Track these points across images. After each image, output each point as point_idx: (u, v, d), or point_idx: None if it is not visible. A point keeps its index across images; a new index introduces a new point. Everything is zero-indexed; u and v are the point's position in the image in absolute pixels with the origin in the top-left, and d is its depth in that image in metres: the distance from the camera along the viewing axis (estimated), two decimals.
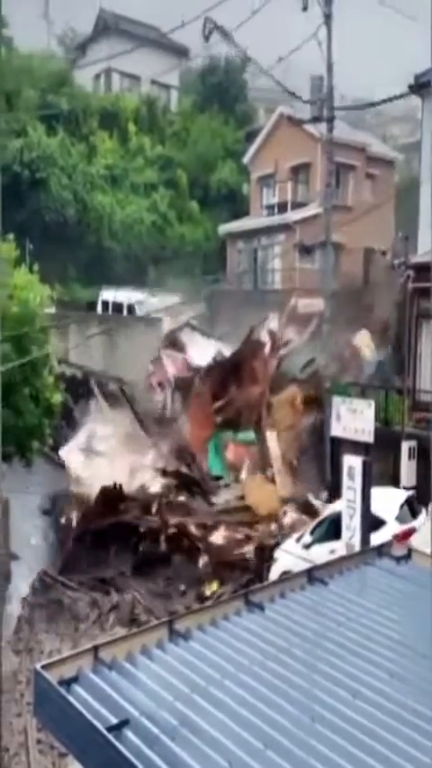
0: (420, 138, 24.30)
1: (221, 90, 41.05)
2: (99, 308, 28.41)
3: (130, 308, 26.54)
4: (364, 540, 9.44)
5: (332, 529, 12.16)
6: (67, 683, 4.59)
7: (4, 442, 10.47)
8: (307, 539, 13.04)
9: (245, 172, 36.94)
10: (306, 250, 25.58)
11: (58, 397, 14.11)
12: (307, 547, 12.73)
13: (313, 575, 5.61)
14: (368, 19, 34.45)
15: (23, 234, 24.67)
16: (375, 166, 33.33)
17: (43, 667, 4.73)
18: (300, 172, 33.02)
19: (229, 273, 34.07)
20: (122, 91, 40.08)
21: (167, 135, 39.56)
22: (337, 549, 10.78)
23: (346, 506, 10.14)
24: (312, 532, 13.16)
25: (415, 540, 10.30)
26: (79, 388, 19.80)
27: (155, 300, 25.08)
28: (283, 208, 32.61)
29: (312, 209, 29.38)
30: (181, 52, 41.96)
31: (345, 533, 10.20)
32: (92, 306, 28.76)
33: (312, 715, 4.24)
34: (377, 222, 30.68)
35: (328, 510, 13.75)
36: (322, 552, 11.49)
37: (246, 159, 36.30)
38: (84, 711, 4.30)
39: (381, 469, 14.16)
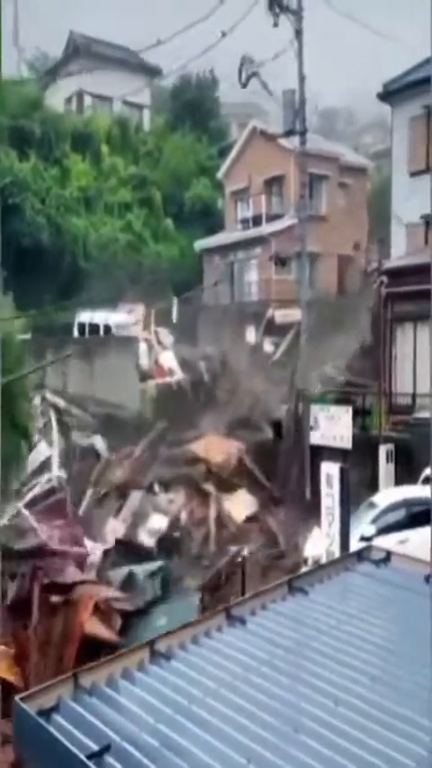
0: (390, 144, 24.70)
1: (193, 107, 41.43)
2: (75, 331, 28.32)
3: (107, 329, 26.49)
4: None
5: (404, 517, 11.69)
6: (47, 712, 4.50)
7: None
8: (368, 530, 12.00)
9: (219, 187, 37.22)
10: (281, 261, 25.75)
11: (33, 425, 14.04)
12: (367, 539, 11.23)
13: (293, 584, 5.56)
14: (338, 32, 34.93)
15: None
16: (348, 175, 33.69)
17: (22, 699, 4.64)
18: (273, 184, 33.30)
19: (206, 288, 34.18)
20: (94, 112, 40.28)
21: (141, 154, 39.80)
22: (410, 538, 10.37)
23: (325, 514, 10.10)
24: (374, 521, 12.36)
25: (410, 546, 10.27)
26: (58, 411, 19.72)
27: (130, 319, 25.05)
28: (257, 221, 32.84)
29: (287, 221, 29.61)
30: (152, 71, 42.31)
31: (324, 540, 10.15)
32: (67, 329, 28.69)
33: (295, 726, 4.18)
34: (351, 229, 31.00)
35: (388, 499, 13.19)
36: (389, 543, 10.16)
37: (219, 174, 36.58)
38: (64, 740, 4.22)
39: (360, 475, 14.18)
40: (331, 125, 55.66)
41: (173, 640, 5.18)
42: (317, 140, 28.54)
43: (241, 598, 5.94)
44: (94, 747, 4.13)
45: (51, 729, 4.34)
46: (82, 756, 4.03)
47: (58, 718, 4.46)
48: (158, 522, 15.71)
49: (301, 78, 18.70)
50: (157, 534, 15.44)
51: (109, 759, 4.07)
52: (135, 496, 16.42)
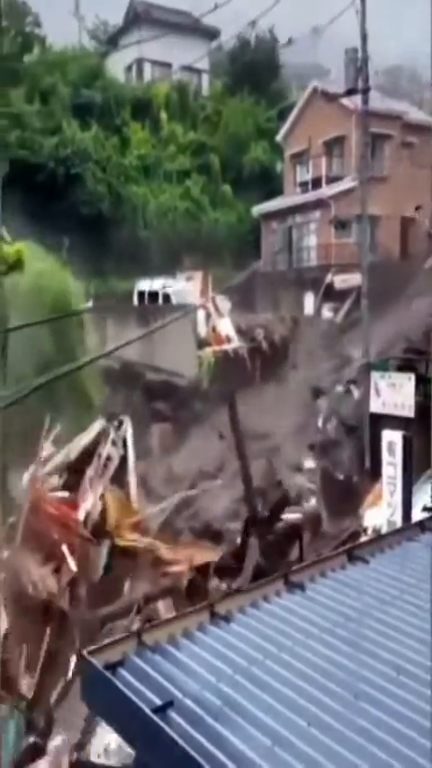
0: None
1: (252, 70, 40.72)
2: (135, 299, 28.56)
3: (166, 297, 26.58)
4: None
5: None
6: (112, 667, 4.67)
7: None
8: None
9: (278, 150, 36.59)
10: (341, 225, 25.21)
11: (96, 390, 14.26)
12: (429, 509, 10.32)
13: (354, 553, 5.56)
14: None
15: (60, 230, 25.01)
16: (412, 134, 32.60)
17: (89, 652, 4.82)
18: (334, 146, 32.54)
19: (264, 254, 33.86)
20: (153, 78, 40.09)
21: (199, 120, 39.45)
22: None
23: (387, 483, 10.00)
24: None
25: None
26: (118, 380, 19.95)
27: (189, 287, 25.04)
28: (317, 184, 32.20)
29: (347, 183, 28.94)
30: (211, 35, 41.64)
31: (385, 511, 10.07)
32: (127, 297, 28.97)
33: (356, 692, 4.22)
34: (415, 190, 30.07)
35: None
36: None
37: (279, 137, 35.94)
38: (129, 694, 4.38)
39: (421, 444, 13.88)
40: (394, 83, 53.77)
41: (232, 604, 5.28)
42: (379, 99, 27.61)
43: (300, 565, 5.97)
44: (158, 702, 4.28)
45: (117, 683, 4.51)
46: (147, 710, 4.18)
47: (123, 672, 4.62)
48: None
49: (364, 36, 18.09)
50: None
51: (172, 714, 4.20)
52: None
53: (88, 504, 11.70)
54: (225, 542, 13.31)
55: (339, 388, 18.79)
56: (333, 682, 4.33)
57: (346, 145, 31.36)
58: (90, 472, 12.32)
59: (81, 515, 11.57)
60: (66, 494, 12.14)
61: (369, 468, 15.60)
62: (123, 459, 12.85)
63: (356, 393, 17.91)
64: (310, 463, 17.38)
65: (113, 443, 12.85)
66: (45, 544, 11.17)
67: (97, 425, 13.24)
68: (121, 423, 13.44)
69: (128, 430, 13.09)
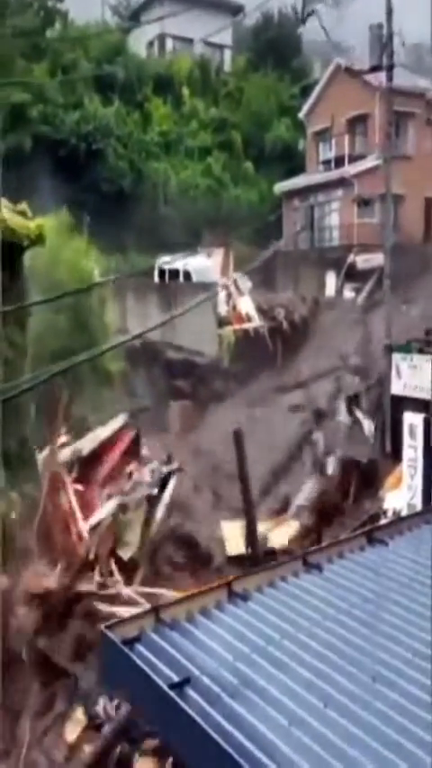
0: None
1: (275, 46, 40.05)
2: (156, 276, 28.48)
3: (187, 274, 26.45)
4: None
5: None
6: (130, 642, 4.70)
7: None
8: None
9: (300, 128, 36.08)
10: (365, 203, 24.83)
11: (116, 366, 14.24)
12: None
13: (373, 535, 5.53)
14: None
15: (81, 205, 24.92)
16: None
17: (107, 627, 4.85)
18: (357, 124, 31.97)
19: (285, 233, 33.54)
20: (175, 54, 39.59)
21: (221, 96, 38.94)
22: None
23: (407, 465, 9.92)
24: None
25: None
26: (138, 358, 19.93)
27: (210, 264, 24.87)
28: (340, 162, 31.71)
29: (371, 161, 28.47)
30: (234, 10, 40.95)
31: (405, 494, 10.00)
32: (148, 274, 28.89)
33: (373, 675, 4.22)
34: None
35: None
36: None
37: (301, 114, 35.41)
38: (147, 669, 4.41)
39: None
40: (419, 61, 52.60)
41: (249, 583, 5.28)
42: (404, 76, 27.04)
43: (318, 546, 5.96)
44: (175, 678, 4.30)
45: (135, 658, 4.54)
46: (164, 686, 4.21)
47: (140, 648, 4.65)
48: None
49: (389, 11, 17.65)
50: None
51: (189, 691, 4.23)
52: None
53: (95, 519, 11.02)
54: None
55: (342, 416, 16.56)
56: (351, 664, 4.32)
57: (369, 123, 30.79)
58: (111, 487, 11.60)
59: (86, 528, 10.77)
60: (79, 487, 11.50)
61: (390, 451, 15.50)
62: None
63: (366, 423, 16.37)
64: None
65: (151, 473, 11.96)
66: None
67: (120, 419, 12.83)
68: (170, 459, 12.59)
69: (172, 476, 12.10)
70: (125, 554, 11.20)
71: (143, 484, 11.82)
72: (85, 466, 11.73)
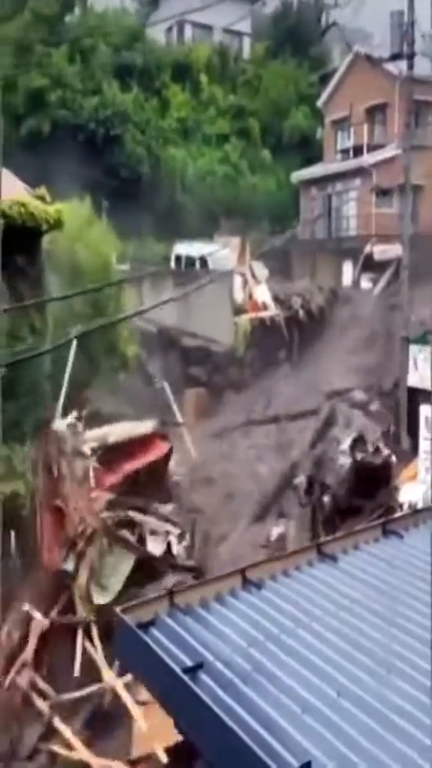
0: None
1: (294, 33, 39.70)
2: (172, 263, 28.43)
3: (203, 262, 26.40)
4: None
5: None
6: (144, 626, 4.72)
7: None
8: None
9: (319, 116, 35.79)
10: (383, 193, 24.61)
11: (132, 350, 14.28)
12: None
13: (388, 527, 5.52)
14: None
15: (99, 191, 24.91)
16: None
17: (123, 610, 4.87)
18: (376, 112, 31.66)
19: (302, 222, 33.35)
20: (194, 41, 39.36)
21: (239, 83, 38.71)
22: None
23: (422, 458, 9.88)
24: None
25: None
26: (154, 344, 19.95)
27: (226, 252, 24.80)
28: (358, 151, 31.46)
29: (390, 151, 28.21)
30: None
31: (420, 486, 9.96)
32: (165, 260, 28.86)
33: (388, 666, 4.21)
34: None
35: None
36: None
37: (320, 103, 35.11)
38: (160, 653, 4.43)
39: None
40: None
41: (263, 571, 5.29)
42: (424, 65, 26.69)
43: (333, 536, 5.96)
44: (188, 662, 4.32)
45: (149, 641, 4.57)
46: (177, 670, 4.23)
47: (154, 631, 4.67)
48: None
49: None
50: None
51: (202, 675, 4.25)
52: None
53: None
54: None
55: (344, 458, 12.94)
56: (365, 655, 4.32)
57: (388, 112, 30.49)
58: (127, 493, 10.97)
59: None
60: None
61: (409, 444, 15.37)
62: None
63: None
64: None
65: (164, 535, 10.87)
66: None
67: (149, 424, 12.49)
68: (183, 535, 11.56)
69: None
70: (99, 598, 10.18)
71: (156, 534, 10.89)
72: (110, 453, 11.37)
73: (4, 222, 10.36)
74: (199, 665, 4.30)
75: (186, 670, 4.24)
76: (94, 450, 11.07)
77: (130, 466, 11.63)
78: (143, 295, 23.09)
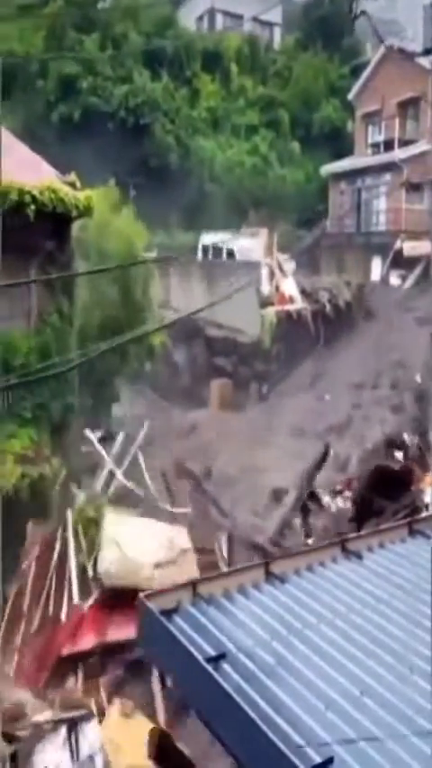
0: None
1: (326, 24, 39.16)
2: (199, 253, 28.36)
3: (230, 253, 26.30)
4: None
5: None
6: (168, 613, 4.73)
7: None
8: None
9: (349, 109, 35.40)
10: (414, 188, 24.30)
11: (159, 339, 14.28)
12: None
13: (414, 527, 5.47)
14: None
15: (127, 179, 24.92)
16: None
17: (146, 596, 4.89)
18: (408, 107, 31.23)
19: (331, 216, 33.08)
20: (225, 30, 39.08)
21: (270, 74, 38.36)
22: None
23: None
24: None
25: None
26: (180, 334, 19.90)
27: (254, 244, 24.67)
28: (389, 145, 31.07)
29: (421, 146, 27.87)
30: None
31: None
32: (192, 250, 28.77)
33: (411, 666, 4.19)
34: None
35: None
36: None
37: (351, 96, 34.71)
38: (183, 641, 4.44)
39: None
40: None
41: (287, 565, 5.27)
42: None
43: (358, 534, 5.92)
44: (211, 652, 4.32)
45: (172, 629, 4.58)
46: (200, 659, 4.23)
47: (178, 619, 4.68)
48: None
49: None
50: None
51: (225, 665, 4.25)
52: None
53: None
54: None
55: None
56: (389, 654, 4.30)
57: (421, 106, 30.06)
58: None
59: None
60: None
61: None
62: None
63: None
64: None
65: None
66: None
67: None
68: None
69: None
70: None
71: None
72: None
73: (35, 208, 10.41)
74: (222, 655, 4.30)
75: (209, 659, 4.24)
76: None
77: None
78: (170, 285, 23.07)
